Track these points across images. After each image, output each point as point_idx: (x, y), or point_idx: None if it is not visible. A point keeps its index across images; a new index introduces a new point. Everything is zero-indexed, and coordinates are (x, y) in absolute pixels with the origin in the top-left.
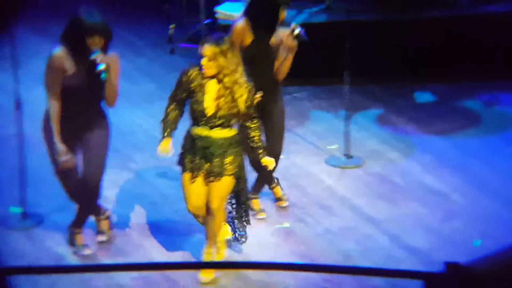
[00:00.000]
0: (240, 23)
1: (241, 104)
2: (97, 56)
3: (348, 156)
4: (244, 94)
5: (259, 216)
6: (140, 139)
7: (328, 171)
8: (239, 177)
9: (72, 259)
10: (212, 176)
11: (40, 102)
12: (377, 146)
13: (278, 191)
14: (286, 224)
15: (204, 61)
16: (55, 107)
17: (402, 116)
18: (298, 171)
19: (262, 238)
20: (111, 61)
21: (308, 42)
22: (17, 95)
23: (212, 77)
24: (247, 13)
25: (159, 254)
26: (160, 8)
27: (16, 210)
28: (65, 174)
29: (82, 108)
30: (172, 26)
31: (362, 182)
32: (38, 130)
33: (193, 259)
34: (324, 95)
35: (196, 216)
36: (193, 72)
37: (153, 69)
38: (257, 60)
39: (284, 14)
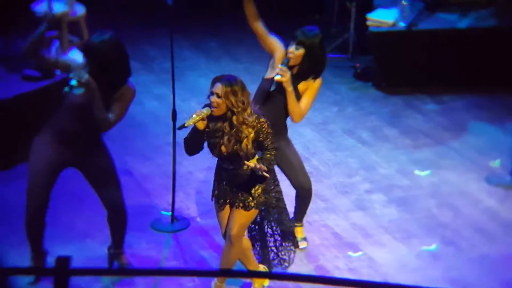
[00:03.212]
0: None
1: (248, 144)
2: (77, 70)
3: None
4: (251, 133)
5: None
6: None
7: (489, 190)
8: (271, 207)
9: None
10: (237, 203)
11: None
12: None
13: (300, 232)
14: (433, 247)
15: (213, 99)
16: None
17: None
18: (451, 189)
19: (405, 260)
20: (91, 83)
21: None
22: (173, 106)
23: (219, 117)
24: None
25: None
26: (311, 20)
27: (166, 213)
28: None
29: (81, 126)
30: None
31: None
32: None
33: None
34: (487, 104)
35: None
36: (208, 112)
37: None
38: (264, 102)
39: (289, 51)
